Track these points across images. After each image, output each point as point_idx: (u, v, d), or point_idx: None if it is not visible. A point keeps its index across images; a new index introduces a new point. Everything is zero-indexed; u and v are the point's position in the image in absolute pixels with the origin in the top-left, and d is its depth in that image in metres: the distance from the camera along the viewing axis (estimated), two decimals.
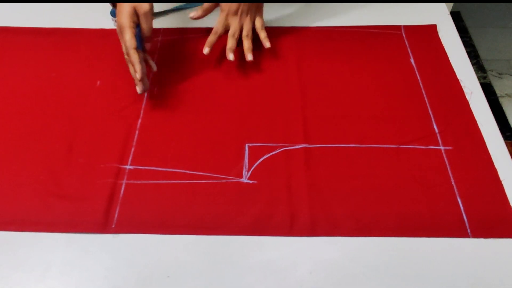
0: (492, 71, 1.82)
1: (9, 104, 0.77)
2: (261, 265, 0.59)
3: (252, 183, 0.66)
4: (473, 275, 0.58)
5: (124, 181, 0.67)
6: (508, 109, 1.68)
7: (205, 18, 0.92)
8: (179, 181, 0.67)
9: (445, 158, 0.69)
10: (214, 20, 0.92)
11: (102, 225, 0.62)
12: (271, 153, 0.70)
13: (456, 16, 1.99)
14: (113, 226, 0.62)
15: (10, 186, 0.66)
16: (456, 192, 0.65)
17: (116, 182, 0.66)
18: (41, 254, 0.60)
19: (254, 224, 0.62)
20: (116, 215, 0.63)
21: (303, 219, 0.62)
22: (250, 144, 0.71)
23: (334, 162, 0.69)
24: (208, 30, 0.89)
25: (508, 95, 1.74)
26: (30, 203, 0.64)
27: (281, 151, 0.70)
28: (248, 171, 0.68)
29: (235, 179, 0.67)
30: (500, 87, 1.77)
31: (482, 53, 1.88)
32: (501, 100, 1.72)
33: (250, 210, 0.64)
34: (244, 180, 0.67)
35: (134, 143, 0.71)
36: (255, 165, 0.69)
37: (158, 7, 0.93)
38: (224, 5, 0.81)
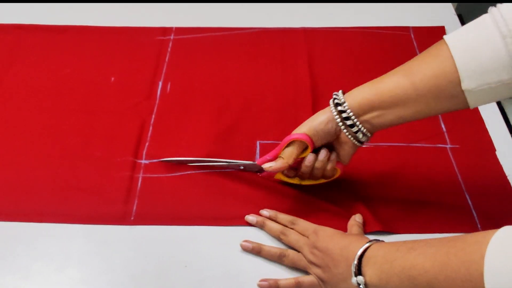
0: None
1: (25, 100, 0.79)
2: None
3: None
4: None
5: (141, 175, 0.68)
6: (509, 109, 1.69)
7: (216, 18, 0.94)
8: (195, 172, 0.69)
9: (452, 156, 0.71)
10: (224, 19, 0.93)
11: (121, 218, 0.63)
12: None
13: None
14: (132, 218, 0.64)
15: (30, 179, 0.68)
16: (464, 188, 0.67)
17: (133, 176, 0.68)
18: (60, 245, 0.61)
19: None
20: (134, 207, 0.64)
21: (312, 217, 0.63)
22: (261, 142, 0.73)
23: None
24: (220, 30, 0.91)
25: None
26: (49, 195, 0.66)
27: None
28: None
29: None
30: None
31: None
32: (502, 100, 1.73)
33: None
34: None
35: (148, 138, 0.73)
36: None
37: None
38: None
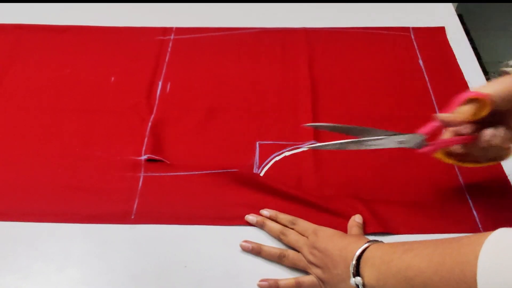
0: (494, 73, 1.84)
1: (25, 100, 0.79)
2: None
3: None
4: None
5: (142, 174, 0.68)
6: None
7: (216, 18, 0.94)
8: (196, 172, 0.69)
9: None
10: (224, 19, 0.94)
11: (122, 217, 0.63)
12: (281, 156, 0.71)
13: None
14: (132, 217, 0.64)
15: (30, 179, 0.68)
16: (464, 189, 0.67)
17: (134, 175, 0.68)
18: (61, 245, 0.61)
19: None
20: (135, 206, 0.65)
21: (312, 217, 0.64)
22: (261, 142, 0.73)
23: (343, 162, 0.70)
24: (220, 30, 0.91)
25: None
26: (49, 195, 0.66)
27: (290, 152, 0.72)
28: (258, 168, 0.70)
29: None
30: None
31: (484, 55, 1.90)
32: None
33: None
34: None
35: (148, 137, 0.73)
36: (265, 163, 0.70)
37: None
38: None
